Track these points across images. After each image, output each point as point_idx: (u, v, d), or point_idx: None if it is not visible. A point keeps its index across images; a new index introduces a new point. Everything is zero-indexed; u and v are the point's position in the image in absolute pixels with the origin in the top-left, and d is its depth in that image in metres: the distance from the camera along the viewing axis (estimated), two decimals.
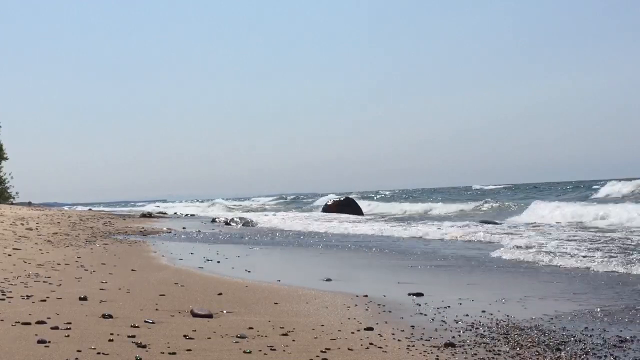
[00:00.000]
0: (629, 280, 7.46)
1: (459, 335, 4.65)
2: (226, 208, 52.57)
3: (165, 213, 37.82)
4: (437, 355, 4.06)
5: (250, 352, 3.96)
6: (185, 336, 4.30)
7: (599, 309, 5.70)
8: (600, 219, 18.39)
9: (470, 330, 4.86)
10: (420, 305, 5.93)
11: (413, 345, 4.31)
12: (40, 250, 10.15)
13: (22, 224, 15.87)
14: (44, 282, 6.57)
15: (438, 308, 5.76)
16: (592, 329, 4.87)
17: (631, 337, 4.63)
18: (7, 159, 37.59)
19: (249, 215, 26.72)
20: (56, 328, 4.30)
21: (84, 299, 5.60)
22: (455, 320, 5.21)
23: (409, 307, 5.81)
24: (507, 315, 5.40)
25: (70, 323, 4.47)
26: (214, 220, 24.59)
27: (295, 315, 5.31)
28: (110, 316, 4.83)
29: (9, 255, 8.94)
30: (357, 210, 31.60)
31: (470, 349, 4.25)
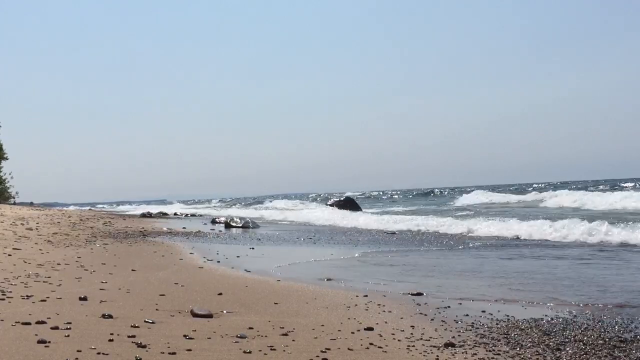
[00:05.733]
0: (628, 280, 7.46)
1: (459, 335, 4.65)
2: (226, 208, 52.56)
3: (165, 213, 37.76)
4: (437, 355, 4.06)
5: (250, 352, 3.96)
6: (185, 336, 4.30)
7: (599, 309, 5.70)
8: None
9: (470, 330, 4.86)
10: (420, 305, 5.93)
11: (413, 345, 4.31)
12: (40, 250, 10.14)
13: (22, 224, 15.86)
14: (44, 282, 6.57)
15: (438, 308, 5.76)
16: (592, 329, 4.86)
17: (631, 337, 4.63)
18: (7, 159, 37.61)
19: (249, 216, 26.70)
20: (56, 328, 4.30)
21: (84, 299, 5.60)
22: (455, 320, 5.21)
23: (409, 307, 5.81)
24: (507, 315, 5.40)
25: (70, 323, 4.47)
26: (214, 221, 24.56)
27: (295, 315, 5.31)
28: (110, 316, 4.83)
29: (9, 255, 8.94)
30: (357, 210, 31.62)
31: (470, 349, 4.25)
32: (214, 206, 60.82)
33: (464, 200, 40.85)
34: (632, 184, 44.39)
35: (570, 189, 38.01)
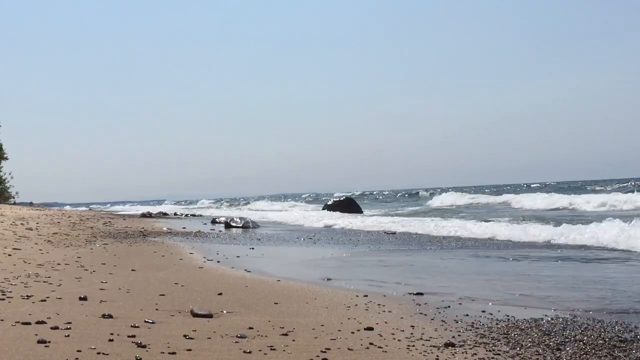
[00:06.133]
0: (628, 279, 7.46)
1: (459, 335, 4.65)
2: (225, 208, 52.60)
3: (165, 213, 37.78)
4: (437, 355, 4.06)
5: (250, 352, 3.96)
6: (185, 336, 4.30)
7: (598, 309, 5.70)
8: None
9: (470, 330, 4.86)
10: (420, 305, 5.93)
11: (413, 345, 4.31)
12: (40, 250, 10.15)
13: (22, 224, 15.86)
14: (44, 282, 6.57)
15: (438, 308, 5.76)
16: (592, 329, 4.86)
17: (631, 337, 4.63)
18: (7, 159, 37.64)
19: (249, 216, 26.70)
20: (56, 328, 4.30)
21: (84, 299, 5.60)
22: (455, 320, 5.21)
23: (409, 307, 5.81)
24: (507, 315, 5.40)
25: (70, 323, 4.47)
26: (214, 221, 24.57)
27: (295, 315, 5.31)
28: (110, 316, 4.83)
29: (9, 255, 8.94)
30: (357, 210, 31.64)
31: (470, 349, 4.25)
32: (200, 207, 61.49)
33: (439, 199, 41.04)
34: (627, 183, 44.69)
35: (569, 189, 38.12)
